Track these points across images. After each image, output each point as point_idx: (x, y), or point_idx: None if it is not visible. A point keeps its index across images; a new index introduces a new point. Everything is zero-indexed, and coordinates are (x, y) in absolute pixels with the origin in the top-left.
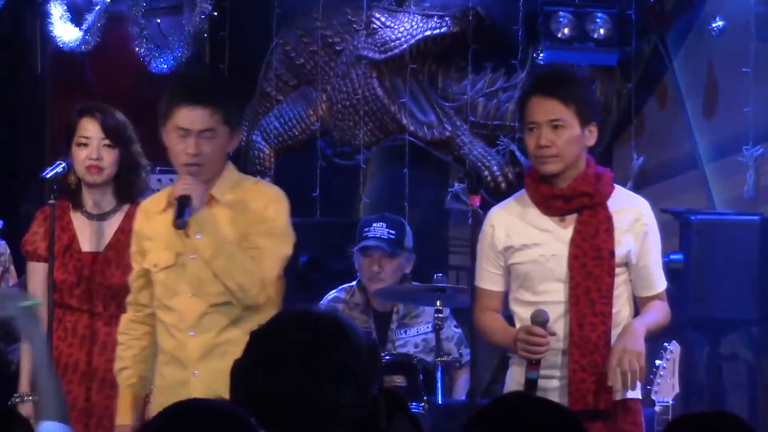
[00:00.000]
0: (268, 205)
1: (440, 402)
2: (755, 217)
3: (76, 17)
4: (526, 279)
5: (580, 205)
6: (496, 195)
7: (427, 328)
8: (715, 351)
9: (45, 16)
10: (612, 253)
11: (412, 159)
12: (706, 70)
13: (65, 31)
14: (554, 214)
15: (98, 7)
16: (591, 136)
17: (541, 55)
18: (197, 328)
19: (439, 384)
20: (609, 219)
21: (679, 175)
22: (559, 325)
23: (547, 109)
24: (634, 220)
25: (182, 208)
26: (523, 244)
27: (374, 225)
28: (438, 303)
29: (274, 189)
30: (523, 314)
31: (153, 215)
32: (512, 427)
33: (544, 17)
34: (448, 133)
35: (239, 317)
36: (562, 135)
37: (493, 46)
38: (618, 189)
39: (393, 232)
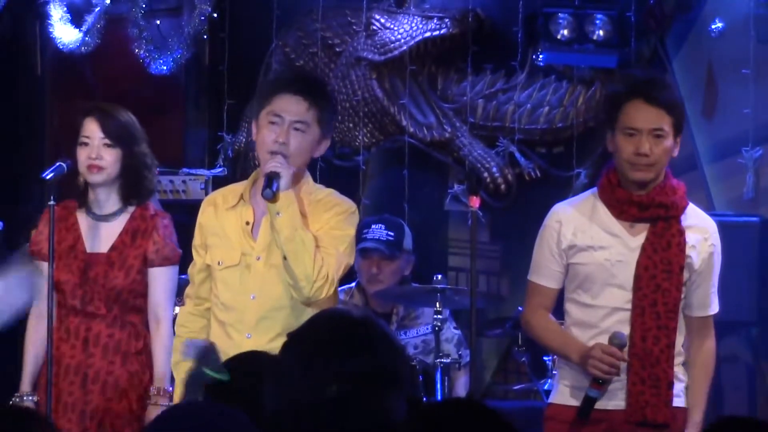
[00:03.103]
0: (341, 214)
1: None
2: (754, 219)
3: (75, 19)
4: (586, 281)
5: (655, 216)
6: (496, 196)
7: (427, 329)
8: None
9: (45, 17)
10: (682, 268)
11: (412, 160)
12: (706, 72)
13: (65, 33)
14: (626, 220)
15: (98, 9)
16: (676, 147)
17: (540, 56)
18: (254, 331)
19: (438, 385)
20: (682, 233)
21: (678, 176)
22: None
23: (652, 117)
24: (702, 239)
25: (271, 181)
26: (588, 245)
27: (373, 227)
28: (437, 304)
29: (348, 201)
30: (578, 316)
31: (222, 211)
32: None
33: (543, 19)
34: (447, 135)
35: (296, 324)
36: (661, 145)
37: (493, 48)
38: (690, 205)
39: (392, 233)
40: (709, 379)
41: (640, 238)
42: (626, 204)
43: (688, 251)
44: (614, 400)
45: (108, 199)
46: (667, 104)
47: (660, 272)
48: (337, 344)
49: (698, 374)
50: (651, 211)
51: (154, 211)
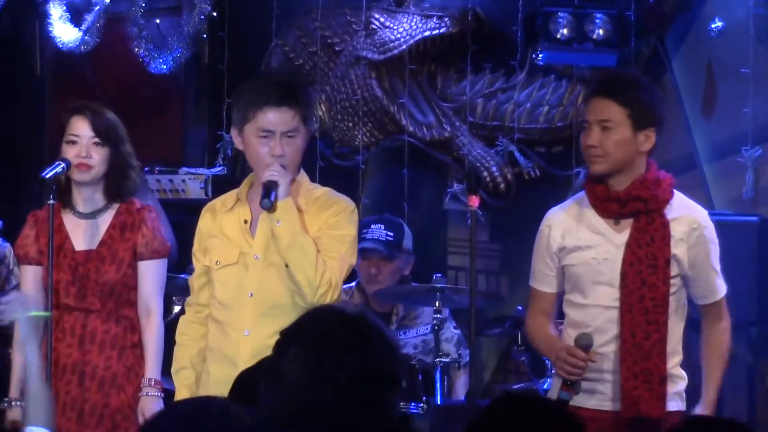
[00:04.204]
0: (340, 213)
1: (439, 403)
2: (754, 218)
3: (75, 18)
4: (577, 281)
5: (635, 210)
6: (495, 196)
7: (427, 329)
8: None
9: (44, 16)
10: (668, 262)
11: (411, 159)
12: (705, 71)
13: (64, 32)
14: (609, 217)
15: (97, 8)
16: (647, 141)
17: (540, 56)
18: (252, 328)
19: (438, 385)
20: (666, 226)
21: (677, 175)
22: (610, 330)
23: (599, 108)
24: (690, 230)
25: (269, 191)
26: (575, 245)
27: (372, 227)
28: (437, 304)
29: (347, 200)
30: (573, 316)
31: (219, 214)
32: (514, 428)
33: (543, 18)
34: (447, 134)
35: None
36: (610, 136)
37: (492, 47)
38: (677, 196)
39: (391, 234)
40: (721, 357)
41: (624, 235)
42: (606, 201)
43: (675, 244)
44: (605, 399)
45: (92, 198)
46: (619, 97)
47: (645, 267)
48: (333, 341)
49: (710, 353)
50: (630, 205)
51: (140, 205)
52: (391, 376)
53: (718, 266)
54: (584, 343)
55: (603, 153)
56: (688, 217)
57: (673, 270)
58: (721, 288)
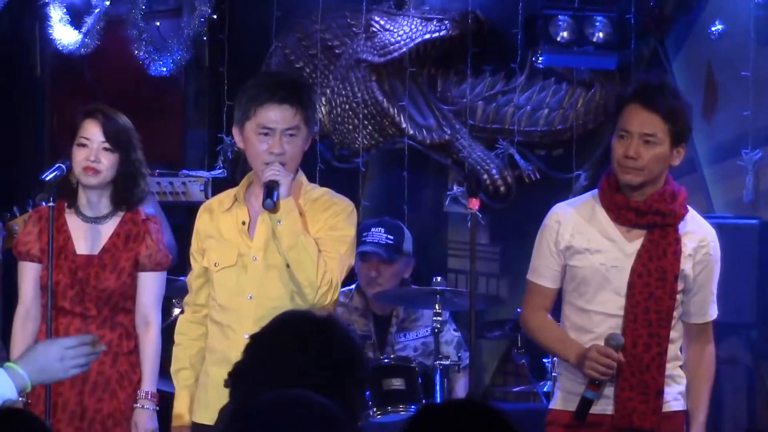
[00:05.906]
0: (339, 214)
1: None
2: (754, 221)
3: (75, 20)
4: (581, 284)
5: (652, 222)
6: (495, 198)
7: (427, 331)
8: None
9: (44, 18)
10: (676, 277)
11: (412, 162)
12: (706, 74)
13: (64, 34)
14: (623, 224)
15: (97, 10)
16: (677, 156)
17: (540, 58)
18: (253, 331)
19: (437, 387)
20: (678, 242)
21: (677, 178)
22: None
23: (643, 121)
24: (699, 247)
25: (271, 191)
26: (584, 247)
27: (373, 230)
28: (437, 306)
29: (345, 200)
30: (574, 320)
31: (216, 214)
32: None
33: (543, 21)
34: (447, 137)
35: None
36: (651, 151)
37: (493, 50)
38: (690, 212)
39: (391, 237)
40: (710, 382)
41: (636, 244)
42: (624, 209)
43: (684, 260)
44: (609, 404)
45: (99, 202)
46: (665, 111)
47: (654, 280)
48: (305, 341)
49: (699, 377)
50: (648, 218)
51: (146, 216)
52: (352, 364)
53: (715, 289)
54: (615, 344)
55: (641, 166)
56: (698, 233)
57: (680, 285)
58: (713, 311)
